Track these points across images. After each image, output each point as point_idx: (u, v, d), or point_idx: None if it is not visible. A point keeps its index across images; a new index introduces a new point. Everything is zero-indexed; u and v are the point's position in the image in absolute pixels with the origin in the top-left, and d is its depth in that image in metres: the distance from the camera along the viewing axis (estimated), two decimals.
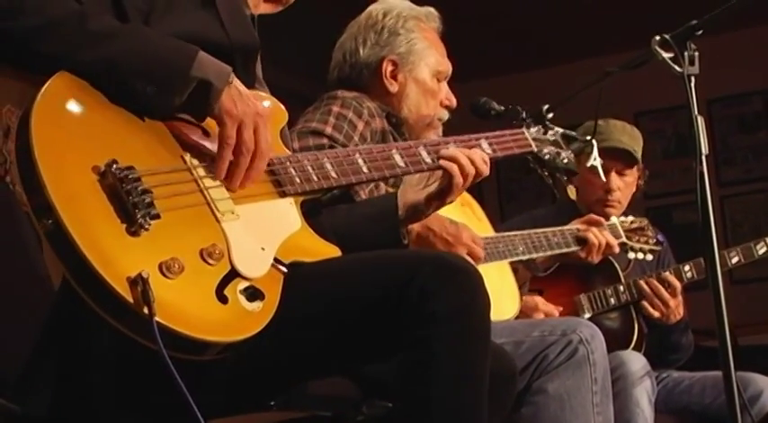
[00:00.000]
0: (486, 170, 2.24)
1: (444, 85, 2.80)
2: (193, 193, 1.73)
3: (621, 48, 4.99)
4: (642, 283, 3.43)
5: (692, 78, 2.26)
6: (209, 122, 1.81)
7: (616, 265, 3.45)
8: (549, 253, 3.03)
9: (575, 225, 3.14)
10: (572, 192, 2.83)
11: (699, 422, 3.52)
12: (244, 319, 1.66)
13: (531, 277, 3.28)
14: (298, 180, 1.91)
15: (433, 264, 1.76)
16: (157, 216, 1.62)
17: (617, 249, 3.17)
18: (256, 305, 1.69)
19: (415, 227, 2.43)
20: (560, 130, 2.61)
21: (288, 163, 1.93)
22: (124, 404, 1.77)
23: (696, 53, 2.27)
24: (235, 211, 1.76)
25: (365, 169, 2.04)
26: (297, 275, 1.79)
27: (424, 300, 1.72)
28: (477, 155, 2.24)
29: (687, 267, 3.50)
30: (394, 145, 2.18)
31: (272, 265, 1.76)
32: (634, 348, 3.38)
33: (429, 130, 2.77)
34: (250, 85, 1.96)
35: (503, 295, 2.89)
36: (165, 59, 1.71)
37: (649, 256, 3.41)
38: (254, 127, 1.79)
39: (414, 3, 2.84)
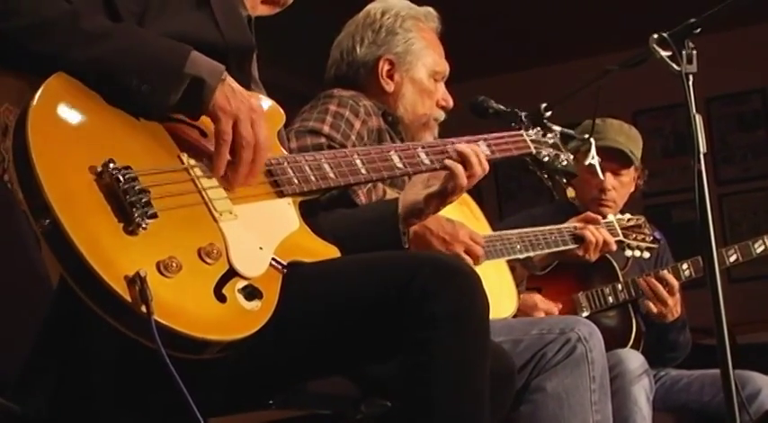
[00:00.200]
0: (487, 168, 2.25)
1: (441, 86, 2.80)
2: (191, 192, 1.73)
3: (620, 46, 5.00)
4: (640, 281, 3.43)
5: (691, 77, 2.27)
6: (207, 123, 1.81)
7: (614, 263, 3.45)
8: (546, 251, 3.03)
9: (572, 223, 3.14)
10: (571, 193, 2.84)
11: (697, 420, 3.52)
12: (242, 318, 1.66)
13: (528, 276, 3.28)
14: (296, 180, 1.92)
15: (432, 266, 1.76)
16: (155, 215, 1.62)
17: (614, 247, 3.17)
18: (255, 304, 1.69)
19: (413, 226, 2.43)
20: (559, 129, 2.62)
21: (285, 163, 1.93)
22: (124, 403, 1.77)
23: (694, 51, 2.27)
24: (233, 210, 1.77)
25: (363, 170, 2.05)
26: (296, 276, 1.80)
27: (423, 302, 1.72)
28: (481, 152, 2.25)
29: (685, 266, 3.50)
30: (392, 146, 2.18)
31: (271, 265, 1.77)
32: (632, 347, 3.38)
33: (425, 130, 2.77)
34: (246, 86, 1.97)
35: (501, 294, 2.89)
36: (158, 58, 1.72)
37: (647, 254, 3.41)
38: (251, 122, 1.79)
39: (413, 2, 2.84)
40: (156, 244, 1.62)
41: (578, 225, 3.12)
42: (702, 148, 2.24)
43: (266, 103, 2.02)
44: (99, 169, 1.62)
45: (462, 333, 1.74)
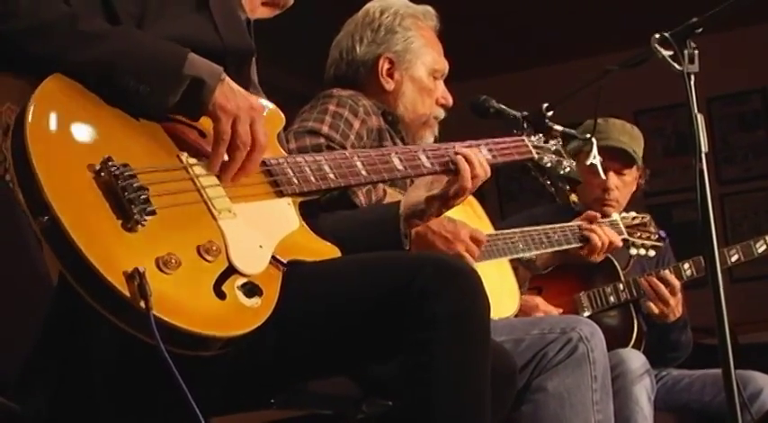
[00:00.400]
0: (489, 172, 2.25)
1: (441, 84, 2.79)
2: (190, 191, 1.74)
3: (621, 46, 4.99)
4: (642, 280, 3.43)
5: (692, 76, 2.26)
6: (205, 124, 1.81)
7: (616, 263, 3.45)
8: (549, 250, 3.03)
9: (575, 223, 3.14)
10: (573, 198, 2.85)
11: (698, 420, 3.52)
12: (242, 315, 1.67)
13: (530, 277, 3.28)
14: (295, 181, 1.92)
15: (432, 266, 1.76)
16: (153, 212, 1.62)
17: (620, 244, 3.18)
18: (255, 301, 1.69)
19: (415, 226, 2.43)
20: (560, 128, 2.61)
21: (285, 164, 1.93)
22: (124, 403, 1.77)
23: (696, 51, 2.27)
24: (232, 209, 1.77)
25: (363, 172, 2.05)
26: (297, 275, 1.80)
27: (424, 302, 1.72)
28: (484, 157, 2.25)
29: (687, 265, 3.49)
30: (393, 149, 2.18)
31: (271, 263, 1.77)
32: (633, 346, 3.38)
33: (425, 129, 2.77)
34: (244, 89, 1.97)
35: (502, 293, 2.89)
36: (157, 59, 1.72)
37: (652, 253, 3.41)
38: (250, 121, 1.79)
39: (413, 1, 2.83)
40: (155, 241, 1.62)
41: (583, 225, 3.12)
42: (704, 147, 2.24)
43: (266, 105, 2.02)
44: (97, 167, 1.62)
45: (463, 333, 1.74)
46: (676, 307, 3.44)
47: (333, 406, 2.09)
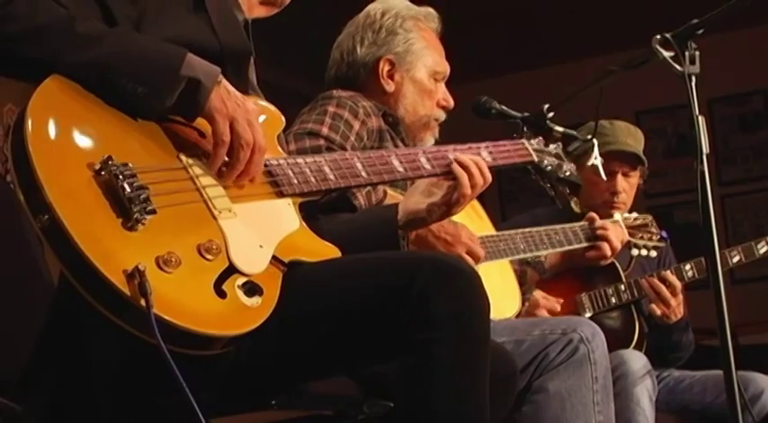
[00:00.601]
0: (489, 178, 2.25)
1: (442, 86, 2.79)
2: (190, 190, 1.74)
3: (622, 47, 4.99)
4: (643, 281, 3.43)
5: (693, 77, 2.26)
6: (205, 124, 1.81)
7: (617, 264, 3.45)
8: (550, 251, 3.03)
9: (579, 223, 3.15)
10: (576, 205, 2.85)
11: (699, 421, 3.52)
12: (242, 314, 1.67)
13: (538, 280, 3.28)
14: (295, 181, 1.92)
15: (432, 266, 1.76)
16: (153, 211, 1.62)
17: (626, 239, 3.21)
18: (255, 300, 1.69)
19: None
20: (561, 130, 2.61)
21: (285, 164, 1.93)
22: (125, 403, 1.77)
23: (697, 52, 2.27)
24: (232, 209, 1.77)
25: (363, 173, 2.05)
26: (297, 276, 1.80)
27: (423, 302, 1.72)
28: (481, 160, 2.25)
29: (688, 267, 3.50)
30: (393, 151, 2.18)
31: (271, 263, 1.77)
32: (635, 347, 3.38)
33: (425, 131, 2.76)
34: (242, 90, 1.97)
35: (503, 294, 2.89)
36: (154, 60, 1.72)
37: (653, 253, 3.42)
38: (248, 123, 1.79)
39: (415, 2, 2.83)
40: (155, 239, 1.62)
41: (597, 225, 3.14)
42: (705, 148, 2.24)
43: (267, 108, 2.02)
44: (98, 166, 1.63)
45: (463, 333, 1.74)
46: (677, 308, 3.44)
47: (333, 406, 2.09)
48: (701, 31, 2.26)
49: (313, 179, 1.95)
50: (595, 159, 2.66)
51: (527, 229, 2.98)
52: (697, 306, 3.59)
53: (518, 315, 2.93)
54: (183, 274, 1.62)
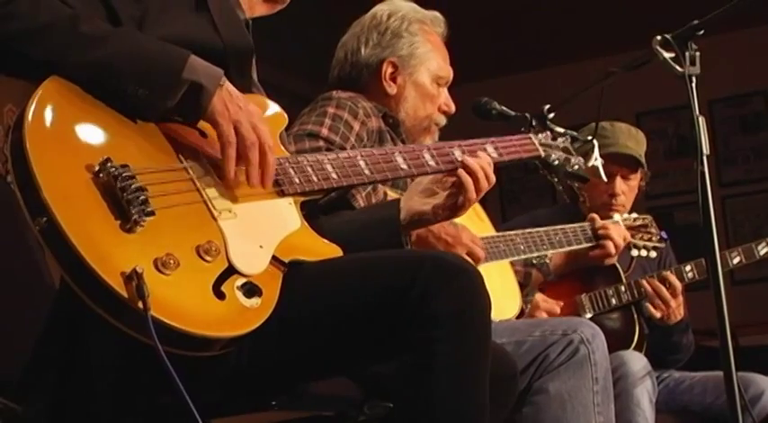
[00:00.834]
0: (493, 180, 2.24)
1: (444, 91, 2.79)
2: (189, 191, 1.74)
3: (623, 48, 4.99)
4: (644, 282, 3.43)
5: (694, 78, 2.26)
6: (205, 124, 1.81)
7: (618, 265, 3.45)
8: (550, 252, 3.03)
9: (580, 224, 3.15)
10: (583, 203, 2.86)
11: (700, 422, 3.52)
12: (241, 315, 1.67)
13: (542, 281, 3.28)
14: (297, 180, 1.92)
15: (433, 264, 1.76)
16: (152, 213, 1.62)
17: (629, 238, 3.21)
18: (254, 301, 1.69)
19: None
20: (561, 131, 2.61)
21: (287, 164, 1.93)
22: (125, 404, 1.77)
23: (697, 53, 2.27)
24: (232, 209, 1.77)
25: (366, 171, 2.04)
26: (298, 275, 1.80)
27: (424, 301, 1.72)
28: (486, 162, 2.23)
29: (688, 268, 3.50)
30: (396, 148, 2.17)
31: (271, 263, 1.77)
32: (635, 348, 3.38)
33: (425, 135, 2.76)
34: (246, 88, 1.97)
35: (504, 295, 2.89)
36: (156, 62, 1.72)
37: (653, 254, 3.42)
38: (252, 125, 1.79)
39: (420, 4, 2.83)
40: (154, 241, 1.62)
41: (599, 225, 3.14)
42: (705, 149, 2.24)
43: (270, 106, 2.02)
44: (96, 168, 1.62)
45: (464, 332, 1.74)
46: (678, 309, 3.44)
47: (334, 407, 2.09)
48: (701, 32, 2.26)
49: (315, 178, 1.95)
50: (596, 160, 2.65)
51: (527, 230, 2.98)
52: (697, 307, 3.59)
53: (520, 317, 2.93)
54: (182, 276, 1.62)
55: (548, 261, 3.15)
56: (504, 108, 2.79)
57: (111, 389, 1.75)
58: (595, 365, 2.62)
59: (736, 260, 3.55)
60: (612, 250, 3.13)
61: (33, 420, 1.74)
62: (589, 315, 3.36)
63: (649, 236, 3.39)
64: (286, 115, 2.05)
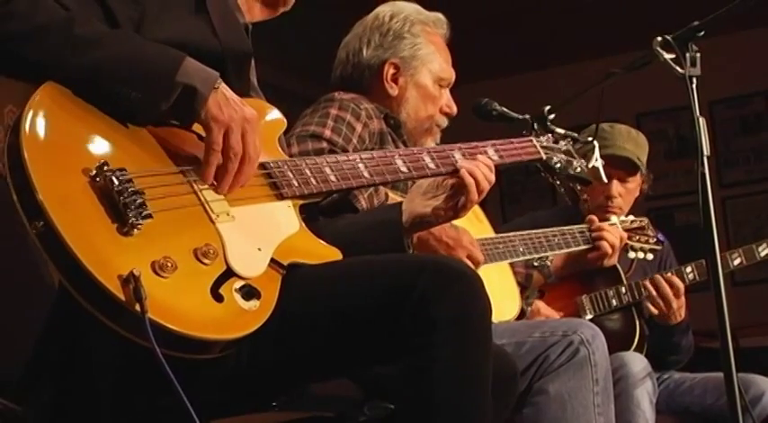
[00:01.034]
0: (493, 178, 2.24)
1: (446, 92, 2.79)
2: (187, 194, 1.74)
3: (623, 49, 5.00)
4: (647, 281, 3.43)
5: (694, 79, 2.26)
6: (201, 128, 1.81)
7: (618, 266, 3.45)
8: (548, 253, 3.03)
9: (578, 226, 3.15)
10: (584, 203, 2.86)
11: None
12: (240, 317, 1.66)
13: (543, 282, 3.28)
14: (295, 183, 1.91)
15: (433, 269, 1.76)
16: (149, 216, 1.62)
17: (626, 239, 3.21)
18: (252, 303, 1.69)
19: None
20: (562, 132, 2.61)
21: (285, 167, 1.93)
22: (126, 405, 1.77)
23: (698, 54, 2.27)
24: (230, 212, 1.77)
25: (366, 174, 2.04)
26: (297, 278, 1.80)
27: (424, 306, 1.71)
28: (487, 164, 2.23)
29: (689, 269, 3.50)
30: (396, 151, 2.17)
31: (270, 266, 1.77)
32: (635, 349, 3.38)
33: (426, 136, 2.76)
34: (244, 92, 1.96)
35: (503, 296, 2.89)
36: (149, 65, 1.71)
37: (650, 256, 3.42)
38: (242, 132, 1.78)
39: (423, 5, 2.83)
40: (151, 244, 1.62)
41: (594, 226, 3.14)
42: (706, 150, 2.24)
43: (268, 110, 2.01)
44: (93, 172, 1.62)
45: (464, 336, 1.74)
46: (680, 310, 3.44)
47: (334, 408, 2.09)
48: (701, 33, 2.26)
49: (314, 180, 1.94)
50: (596, 161, 2.65)
51: (526, 232, 2.98)
52: (698, 308, 3.59)
53: (520, 318, 2.93)
54: (180, 279, 1.62)
55: (548, 263, 3.15)
56: (505, 109, 2.79)
57: (111, 389, 1.75)
58: (596, 366, 2.62)
59: (736, 261, 3.55)
60: (609, 251, 3.13)
61: (33, 421, 1.74)
62: (589, 316, 3.37)
63: (646, 238, 3.39)
64: (285, 119, 2.05)
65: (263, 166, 1.88)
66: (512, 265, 3.02)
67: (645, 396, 3.19)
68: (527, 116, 2.68)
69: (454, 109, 2.79)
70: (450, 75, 2.79)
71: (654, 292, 3.41)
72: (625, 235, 3.21)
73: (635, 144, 3.60)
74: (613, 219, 3.34)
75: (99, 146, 1.67)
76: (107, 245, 1.58)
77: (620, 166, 3.52)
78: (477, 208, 2.93)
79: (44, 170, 1.57)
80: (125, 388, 1.75)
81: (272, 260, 1.78)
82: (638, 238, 3.37)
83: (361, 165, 2.04)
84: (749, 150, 7.45)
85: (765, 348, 5.93)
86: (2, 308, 1.82)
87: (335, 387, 2.00)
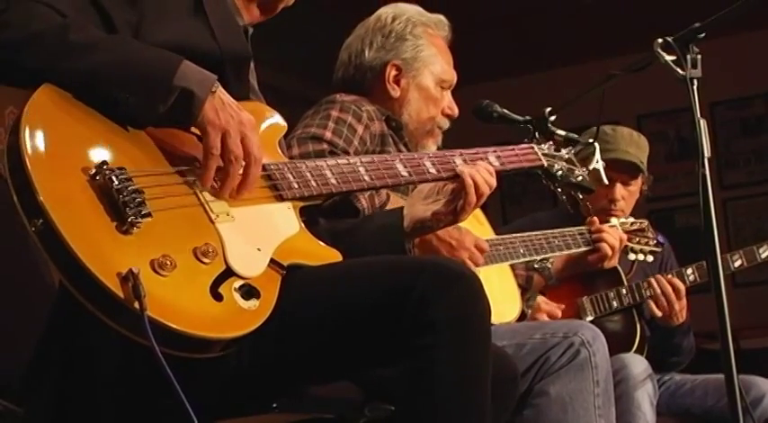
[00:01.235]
0: (494, 183, 2.24)
1: (447, 94, 2.79)
2: (187, 194, 1.74)
3: (624, 50, 5.00)
4: (651, 279, 3.43)
5: (695, 81, 2.26)
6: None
7: (619, 268, 3.45)
8: (549, 255, 3.03)
9: (578, 228, 3.15)
10: (587, 208, 2.85)
11: None
12: (239, 316, 1.67)
13: (544, 284, 3.28)
14: (296, 185, 1.91)
15: (432, 270, 1.76)
16: (149, 215, 1.62)
17: (626, 241, 3.21)
18: (252, 303, 1.69)
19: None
20: (563, 133, 2.61)
21: (285, 168, 1.93)
22: (126, 406, 1.77)
23: (699, 56, 2.27)
24: (230, 212, 1.77)
25: (366, 177, 2.04)
26: (297, 279, 1.80)
27: (423, 308, 1.72)
28: (488, 170, 2.23)
29: (690, 270, 3.50)
30: (397, 155, 2.17)
31: (270, 266, 1.77)
32: (636, 351, 3.38)
33: (428, 138, 2.76)
34: (243, 94, 1.96)
35: (504, 298, 2.89)
36: (146, 69, 1.72)
37: (650, 258, 3.42)
38: (241, 136, 1.78)
39: (425, 7, 2.83)
40: (150, 243, 1.62)
41: (594, 228, 3.14)
42: (706, 152, 2.24)
43: (268, 113, 2.01)
44: (93, 171, 1.63)
45: (464, 337, 1.74)
46: (681, 311, 3.45)
47: (335, 410, 2.09)
48: (702, 35, 2.26)
49: (314, 183, 1.95)
50: (597, 163, 2.65)
51: (526, 234, 2.98)
52: (698, 310, 3.59)
53: (520, 320, 2.93)
54: (179, 277, 1.62)
55: (549, 265, 3.15)
56: (506, 111, 2.79)
57: (112, 390, 1.75)
58: (596, 368, 2.62)
59: (737, 263, 3.55)
60: (609, 253, 3.13)
61: (34, 422, 1.74)
62: (590, 318, 3.37)
63: (646, 240, 3.39)
64: (285, 122, 2.05)
65: (263, 167, 1.88)
66: (512, 267, 3.02)
67: (645, 398, 3.18)
68: (528, 118, 2.69)
69: (456, 111, 2.79)
70: (451, 76, 2.79)
71: (658, 290, 3.41)
72: (625, 237, 3.22)
73: (637, 147, 3.60)
74: (613, 220, 3.34)
75: (98, 146, 1.68)
76: (106, 243, 1.59)
77: (623, 170, 3.53)
78: (477, 210, 2.93)
79: (44, 170, 1.58)
80: (126, 389, 1.75)
81: (272, 261, 1.78)
82: (637, 239, 3.37)
83: (361, 168, 2.04)
84: (750, 152, 7.45)
85: (766, 350, 5.93)
86: (3, 309, 1.82)
87: (336, 389, 2.00)
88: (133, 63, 1.71)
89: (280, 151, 2.01)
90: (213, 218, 1.74)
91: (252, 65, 2.11)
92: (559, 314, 3.23)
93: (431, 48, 2.75)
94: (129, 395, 1.75)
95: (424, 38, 2.74)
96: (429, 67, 2.74)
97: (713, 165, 2.24)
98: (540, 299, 3.25)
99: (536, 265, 3.13)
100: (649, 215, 3.62)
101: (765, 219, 7.28)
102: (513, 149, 2.42)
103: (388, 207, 2.52)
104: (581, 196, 2.62)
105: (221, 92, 1.78)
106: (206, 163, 1.76)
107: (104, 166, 1.63)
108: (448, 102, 2.78)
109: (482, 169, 2.22)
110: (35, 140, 1.60)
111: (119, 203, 1.61)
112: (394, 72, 2.73)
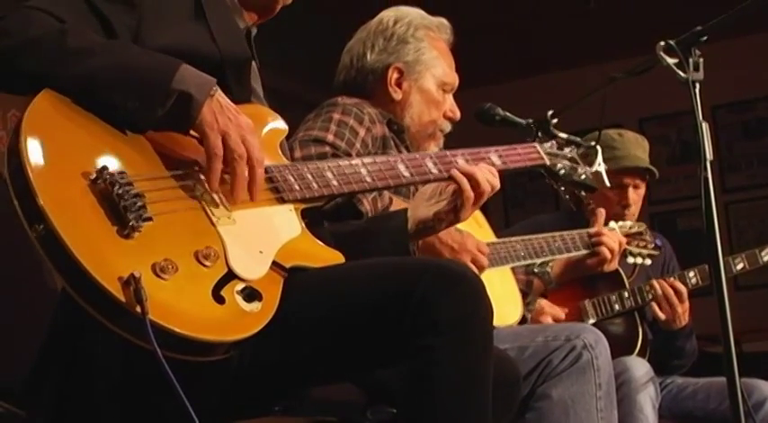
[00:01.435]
0: (496, 183, 2.24)
1: (449, 97, 2.79)
2: (187, 197, 1.74)
3: (626, 53, 5.00)
4: (654, 283, 3.43)
5: (697, 84, 2.26)
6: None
7: (621, 271, 3.45)
8: (549, 258, 3.03)
9: (579, 231, 3.15)
10: (588, 209, 2.85)
11: None
12: (241, 319, 1.67)
13: (544, 288, 3.28)
14: (297, 187, 1.91)
15: (435, 272, 1.76)
16: (149, 219, 1.63)
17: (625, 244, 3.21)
18: (254, 305, 1.69)
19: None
20: (564, 136, 2.61)
21: (287, 171, 1.93)
22: (128, 409, 1.77)
23: (701, 59, 2.27)
24: (231, 215, 1.77)
25: (368, 178, 2.04)
26: (300, 281, 1.80)
27: (425, 309, 1.72)
28: (489, 169, 2.23)
29: (692, 274, 3.50)
30: (399, 156, 2.17)
31: (272, 269, 1.77)
32: (638, 354, 3.38)
33: (430, 141, 2.76)
34: (244, 97, 1.96)
35: (506, 301, 2.89)
36: (144, 73, 1.72)
37: (648, 261, 3.43)
38: (241, 138, 1.78)
39: (426, 11, 2.83)
40: (151, 247, 1.62)
41: (593, 231, 3.14)
42: (709, 155, 2.24)
43: (269, 116, 2.01)
44: (93, 175, 1.63)
45: (465, 339, 1.74)
46: (684, 314, 3.45)
47: (337, 412, 2.09)
48: (704, 38, 2.26)
49: (315, 185, 1.95)
50: (599, 166, 2.65)
51: (527, 236, 2.98)
52: (700, 313, 3.59)
53: (522, 323, 2.93)
54: (181, 281, 1.62)
55: (549, 270, 3.15)
56: (508, 114, 2.79)
57: (113, 392, 1.75)
58: (598, 371, 2.62)
59: (739, 266, 3.56)
60: (608, 256, 3.13)
61: None
62: (592, 321, 3.37)
63: (645, 243, 3.40)
64: (286, 125, 2.05)
65: (264, 169, 1.87)
66: (513, 270, 3.02)
67: (647, 401, 3.18)
68: (530, 121, 2.69)
69: (458, 114, 2.79)
70: (453, 79, 2.79)
71: (660, 293, 3.41)
72: (624, 240, 3.21)
73: (644, 150, 3.64)
74: (612, 224, 3.34)
75: (98, 150, 1.68)
76: (107, 247, 1.59)
77: (636, 175, 3.56)
78: (477, 213, 2.93)
79: (44, 175, 1.58)
80: (128, 392, 1.75)
81: (274, 263, 1.78)
82: (636, 243, 3.38)
83: (363, 169, 2.04)
84: (752, 155, 7.45)
85: None
86: (5, 313, 1.82)
87: (338, 391, 2.00)
88: (131, 67, 1.71)
89: (281, 154, 2.01)
90: (214, 221, 1.74)
91: (256, 70, 2.11)
92: (563, 317, 3.23)
93: (432, 51, 2.75)
94: (131, 399, 1.75)
95: (425, 41, 2.74)
96: (431, 70, 2.74)
97: (715, 168, 2.24)
98: (544, 302, 3.25)
99: (536, 270, 3.13)
100: (652, 218, 3.63)
101: (767, 222, 7.28)
102: (516, 148, 2.42)
103: (391, 210, 2.52)
104: (584, 194, 2.62)
105: (220, 95, 1.78)
106: (210, 165, 1.76)
107: (105, 171, 1.63)
108: (450, 105, 2.78)
109: (484, 169, 2.22)
110: (35, 146, 1.60)
111: (119, 208, 1.61)
112: (396, 75, 2.73)
